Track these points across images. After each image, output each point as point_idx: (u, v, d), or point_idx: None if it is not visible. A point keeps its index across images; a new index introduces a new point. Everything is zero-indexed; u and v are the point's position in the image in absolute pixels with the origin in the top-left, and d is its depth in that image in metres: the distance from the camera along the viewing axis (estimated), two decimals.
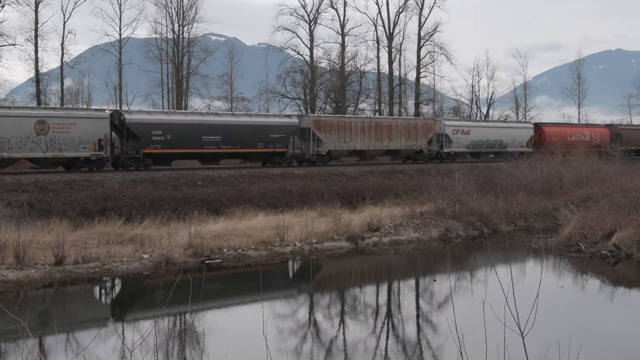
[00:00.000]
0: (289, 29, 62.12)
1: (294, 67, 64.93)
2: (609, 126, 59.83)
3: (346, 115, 45.11)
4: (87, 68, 66.78)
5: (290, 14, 61.91)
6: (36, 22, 51.74)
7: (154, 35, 61.20)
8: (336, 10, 63.06)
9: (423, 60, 65.16)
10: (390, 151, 42.46)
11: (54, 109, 36.87)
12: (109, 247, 19.48)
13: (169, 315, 15.09)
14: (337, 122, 39.64)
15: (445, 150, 44.32)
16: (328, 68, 64.26)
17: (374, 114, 64.81)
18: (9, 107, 34.62)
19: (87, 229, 21.89)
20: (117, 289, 18.06)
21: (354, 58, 64.55)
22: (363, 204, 28.74)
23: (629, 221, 21.88)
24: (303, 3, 63.42)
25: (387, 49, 64.48)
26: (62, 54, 54.73)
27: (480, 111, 74.41)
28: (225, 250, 20.63)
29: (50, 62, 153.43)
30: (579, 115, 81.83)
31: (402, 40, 65.25)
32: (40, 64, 53.16)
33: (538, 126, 52.62)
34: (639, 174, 32.23)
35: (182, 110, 47.15)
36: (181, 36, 59.30)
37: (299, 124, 38.06)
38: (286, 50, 64.28)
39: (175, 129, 32.82)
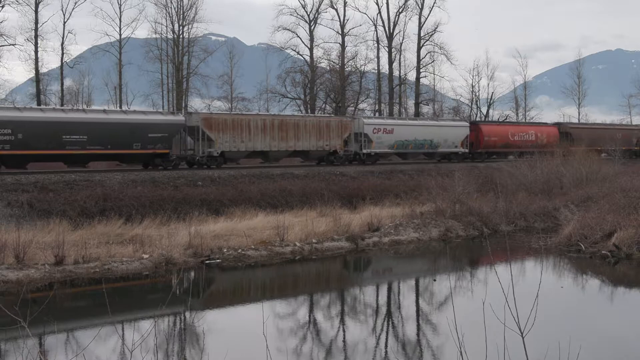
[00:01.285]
0: (289, 29, 62.18)
1: (294, 67, 64.96)
2: (558, 124, 56.61)
3: (244, 113, 41.07)
4: (87, 68, 66.90)
5: (290, 14, 61.99)
6: (36, 22, 51.79)
7: (154, 35, 61.27)
8: (336, 10, 63.14)
9: (423, 60, 65.22)
10: (298, 152, 39.09)
11: None
12: (109, 247, 19.48)
13: (169, 315, 15.10)
14: (232, 120, 36.04)
15: (365, 151, 41.21)
16: (328, 68, 64.29)
17: (374, 114, 64.82)
18: None
19: (87, 229, 21.89)
20: (117, 289, 18.04)
21: (354, 58, 64.63)
22: (363, 204, 28.74)
23: (629, 221, 21.88)
24: (303, 3, 63.37)
25: (387, 49, 64.51)
26: (62, 54, 54.81)
27: (480, 111, 74.45)
28: (225, 250, 20.63)
29: (50, 62, 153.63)
30: (579, 115, 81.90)
31: (402, 40, 65.34)
32: (40, 64, 53.27)
33: (475, 125, 49.25)
34: (639, 174, 32.21)
35: (41, 107, 41.53)
36: (181, 36, 59.31)
37: (185, 122, 34.61)
38: (286, 50, 64.36)
39: (28, 128, 28.88)
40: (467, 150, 46.22)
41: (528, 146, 48.61)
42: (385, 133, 42.16)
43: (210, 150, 34.89)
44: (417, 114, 64.00)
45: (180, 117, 35.29)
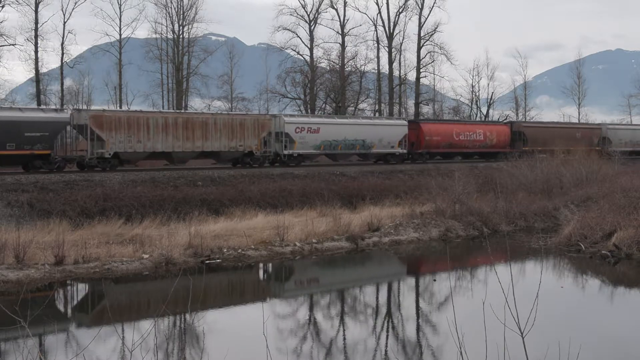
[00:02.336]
0: (289, 29, 62.24)
1: (294, 67, 65.01)
2: (510, 123, 52.86)
3: (142, 110, 38.00)
4: (87, 68, 66.94)
5: (290, 14, 62.04)
6: (36, 22, 51.83)
7: (154, 35, 61.36)
8: (336, 10, 63.19)
9: (423, 60, 65.25)
10: (208, 153, 35.79)
11: None
12: (109, 247, 19.48)
13: (169, 315, 15.08)
14: (127, 118, 32.57)
15: (286, 152, 37.94)
16: (328, 68, 64.35)
17: (374, 114, 64.82)
18: None
19: (87, 229, 21.89)
20: (117, 289, 18.04)
21: (354, 58, 64.69)
22: (363, 204, 28.74)
23: (629, 221, 21.88)
24: (303, 3, 63.51)
25: (387, 49, 64.54)
26: (62, 54, 54.87)
27: (480, 111, 74.48)
28: (225, 250, 20.63)
29: (50, 62, 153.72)
30: (579, 115, 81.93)
31: (402, 40, 65.41)
32: (40, 64, 53.34)
33: (415, 123, 45.73)
34: (639, 174, 32.21)
35: None
36: (181, 36, 59.38)
37: (70, 120, 31.50)
38: (286, 50, 64.43)
39: None
40: (405, 151, 43.04)
41: (475, 146, 46.67)
42: (310, 132, 38.87)
43: (102, 151, 31.79)
44: (417, 114, 64.02)
45: (64, 115, 32.14)
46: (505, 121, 56.61)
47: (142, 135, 32.64)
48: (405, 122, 44.61)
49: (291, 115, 42.83)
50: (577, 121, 75.57)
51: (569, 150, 50.41)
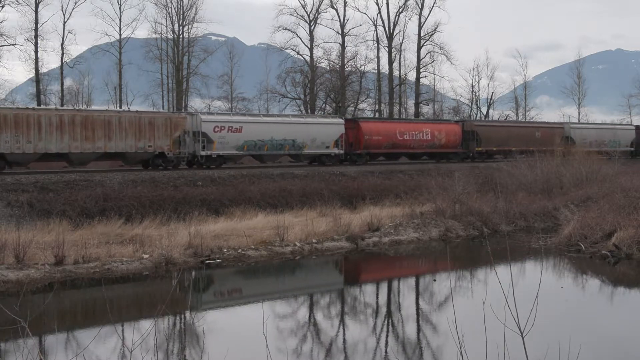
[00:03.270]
0: (289, 29, 62.24)
1: (294, 67, 65.02)
2: (462, 122, 49.57)
3: (34, 107, 34.62)
4: (87, 68, 66.95)
5: (290, 14, 62.04)
6: (36, 22, 51.85)
7: (154, 35, 61.38)
8: (336, 10, 63.19)
9: (423, 60, 65.26)
10: (112, 154, 32.66)
11: None
12: (109, 247, 19.48)
13: (169, 315, 15.09)
14: (14, 116, 29.34)
15: (204, 152, 34.90)
16: (328, 68, 64.34)
17: (374, 114, 64.82)
18: None
19: (87, 229, 21.90)
20: (117, 289, 18.04)
21: (354, 58, 64.68)
22: (363, 204, 28.74)
23: (629, 221, 21.88)
24: (303, 3, 63.50)
25: (387, 49, 64.54)
26: (62, 54, 54.89)
27: (480, 111, 74.47)
28: (225, 250, 20.63)
29: (50, 62, 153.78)
30: (579, 115, 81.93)
31: (402, 40, 65.42)
32: (40, 64, 53.37)
33: (354, 122, 42.68)
34: (639, 174, 32.21)
35: None
36: (181, 36, 59.39)
37: None
38: (286, 50, 64.43)
39: None
40: (342, 152, 40.21)
41: (422, 146, 44.14)
42: (231, 132, 35.94)
43: None
44: (417, 114, 64.03)
45: None
46: (456, 120, 53.80)
47: (33, 134, 29.64)
48: (342, 121, 41.71)
49: (209, 114, 39.50)
50: (577, 121, 75.51)
51: (528, 150, 48.31)
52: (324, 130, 39.83)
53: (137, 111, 35.39)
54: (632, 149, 56.35)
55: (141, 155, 33.18)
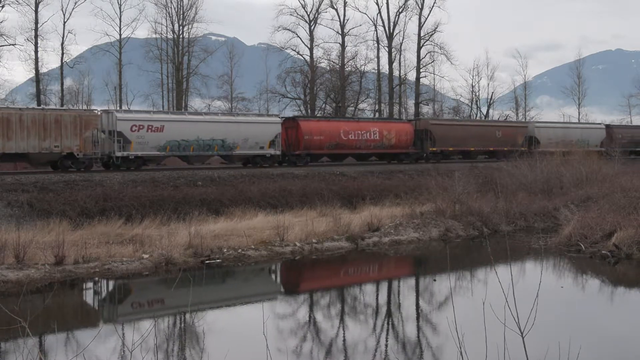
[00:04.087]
0: (289, 29, 62.28)
1: (294, 67, 65.04)
2: (416, 120, 47.39)
3: None
4: (87, 68, 67.00)
5: (290, 14, 62.07)
6: (36, 22, 51.86)
7: (154, 35, 61.41)
8: (336, 10, 63.22)
9: (423, 60, 65.26)
10: (12, 155, 30.01)
11: None
12: (109, 247, 19.48)
13: (169, 315, 15.09)
14: None
15: (119, 153, 32.43)
16: (328, 68, 64.36)
17: (374, 114, 64.82)
18: None
19: (87, 229, 21.90)
20: (117, 289, 18.05)
21: (354, 58, 64.71)
22: (363, 204, 28.74)
23: (629, 221, 21.88)
24: (303, 3, 63.54)
25: (387, 49, 64.55)
26: (62, 54, 54.90)
27: (480, 111, 74.48)
28: (225, 250, 20.63)
29: (50, 62, 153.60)
30: (579, 115, 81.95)
31: (402, 40, 65.43)
32: (40, 64, 53.39)
33: (294, 121, 40.06)
34: (639, 174, 32.22)
35: None
36: (181, 36, 59.41)
37: None
38: (286, 50, 64.48)
39: None
40: (278, 153, 37.66)
41: (369, 147, 41.55)
42: (152, 131, 33.25)
43: None
44: (417, 114, 63.99)
45: None
46: (408, 119, 51.52)
47: None
48: (278, 120, 39.06)
49: (126, 111, 37.14)
50: (578, 121, 75.51)
51: (488, 151, 47.52)
52: (257, 130, 37.08)
53: (42, 108, 33.47)
54: (602, 149, 52.33)
55: (47, 156, 30.88)
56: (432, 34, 65.16)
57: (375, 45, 65.32)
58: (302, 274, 21.42)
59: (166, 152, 34.31)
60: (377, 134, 41.78)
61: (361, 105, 66.98)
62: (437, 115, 66.74)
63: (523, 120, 65.76)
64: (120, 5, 58.46)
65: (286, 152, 38.61)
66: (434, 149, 44.06)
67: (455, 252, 24.39)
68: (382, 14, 64.57)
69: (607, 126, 58.09)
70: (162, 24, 59.83)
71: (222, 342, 13.06)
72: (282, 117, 40.96)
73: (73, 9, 55.80)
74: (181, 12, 59.16)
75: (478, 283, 19.35)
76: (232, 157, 37.03)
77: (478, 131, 47.86)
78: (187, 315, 15.14)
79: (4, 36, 50.17)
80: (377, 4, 64.78)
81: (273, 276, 21.16)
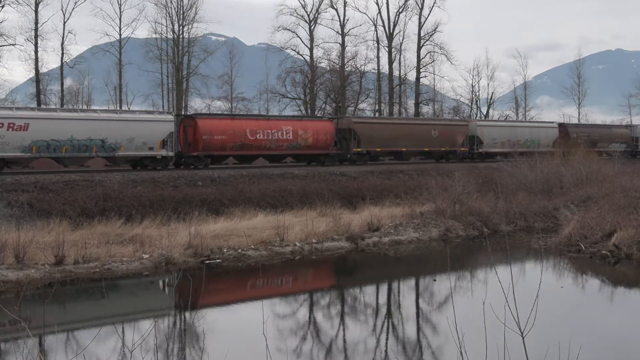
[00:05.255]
0: (289, 29, 62.21)
1: (294, 67, 64.98)
2: (336, 119, 42.78)
3: None
4: (87, 68, 66.95)
5: (290, 14, 62.01)
6: (36, 22, 51.80)
7: (154, 35, 61.35)
8: (336, 10, 63.17)
9: (423, 60, 65.21)
10: None
11: None
12: (109, 247, 19.48)
13: (169, 315, 15.10)
14: None
15: None
16: (328, 68, 64.31)
17: (374, 114, 64.81)
18: None
19: (87, 229, 21.89)
20: (117, 289, 18.05)
21: (354, 58, 64.64)
22: (363, 204, 28.74)
23: (629, 221, 21.89)
24: (303, 3, 63.37)
25: (387, 49, 64.52)
26: (62, 54, 54.81)
27: (480, 111, 74.46)
28: (225, 250, 20.63)
29: (50, 62, 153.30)
30: (579, 115, 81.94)
31: (402, 40, 65.35)
32: (40, 64, 53.29)
33: (192, 119, 36.14)
34: (639, 174, 32.22)
35: None
36: (181, 36, 59.37)
37: None
38: (286, 50, 64.41)
39: None
40: (171, 154, 34.02)
41: (282, 147, 37.80)
42: (13, 130, 29.39)
43: None
44: (417, 114, 63.99)
45: None
46: (329, 117, 47.07)
47: None
48: (171, 117, 35.43)
49: None
50: (578, 121, 75.48)
51: (423, 152, 44.07)
52: (145, 128, 33.07)
53: None
54: (555, 149, 48.17)
55: None
56: (432, 34, 65.15)
57: (375, 45, 65.34)
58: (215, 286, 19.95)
59: (32, 153, 30.23)
60: (291, 134, 37.99)
61: (361, 105, 67.03)
62: (437, 115, 66.75)
63: (467, 118, 60.48)
64: (120, 5, 58.43)
65: (184, 153, 35.01)
66: (359, 149, 40.73)
67: (455, 252, 24.39)
68: (382, 14, 64.59)
69: (561, 125, 55.00)
70: (162, 24, 59.82)
71: (222, 342, 13.06)
72: (179, 115, 37.81)
73: (73, 9, 55.75)
74: (181, 12, 59.14)
75: (478, 283, 19.35)
76: (115, 159, 33.20)
77: (410, 130, 44.16)
78: (187, 315, 15.15)
79: (4, 36, 50.15)
80: (377, 4, 64.78)
81: (166, 291, 19.12)
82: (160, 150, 33.57)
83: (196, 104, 65.78)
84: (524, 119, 71.14)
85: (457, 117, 65.08)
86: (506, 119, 70.84)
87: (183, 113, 43.22)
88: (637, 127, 60.08)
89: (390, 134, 42.32)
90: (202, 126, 34.99)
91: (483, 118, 67.92)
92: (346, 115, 48.26)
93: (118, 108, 59.10)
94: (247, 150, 36.92)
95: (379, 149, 42.06)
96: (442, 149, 44.37)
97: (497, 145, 47.43)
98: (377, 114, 64.56)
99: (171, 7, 59.17)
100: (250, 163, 38.42)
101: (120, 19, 58.62)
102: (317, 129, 39.36)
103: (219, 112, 59.28)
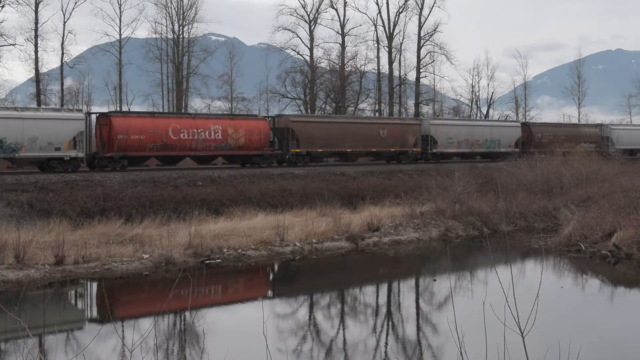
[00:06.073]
0: (289, 29, 62.19)
1: (294, 67, 64.98)
2: (274, 118, 39.50)
3: None
4: (87, 68, 66.88)
5: (290, 14, 61.98)
6: (36, 22, 51.78)
7: (154, 35, 61.35)
8: (336, 10, 63.15)
9: (423, 60, 65.19)
10: None
11: None
12: (109, 247, 19.49)
13: (169, 315, 15.09)
14: None
15: None
16: (328, 68, 64.31)
17: (374, 114, 64.80)
18: None
19: (87, 229, 21.90)
20: (117, 289, 18.06)
21: (354, 58, 64.63)
22: (363, 204, 28.73)
23: (629, 221, 21.89)
24: (303, 3, 63.36)
25: (387, 49, 64.51)
26: (62, 54, 54.79)
27: (480, 111, 74.47)
28: (225, 250, 20.64)
29: (50, 62, 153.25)
30: (579, 115, 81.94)
31: (402, 40, 65.31)
32: (40, 64, 53.25)
33: (107, 117, 32.83)
34: (639, 174, 32.22)
35: None
36: (181, 36, 59.38)
37: None
38: (286, 51, 64.39)
39: None
40: (81, 155, 31.30)
41: (210, 148, 34.77)
42: None
43: None
44: (417, 114, 63.95)
45: None
46: (264, 116, 44.52)
47: None
48: (81, 116, 32.41)
49: None
50: (578, 121, 75.43)
51: (371, 152, 41.41)
52: (50, 127, 30.32)
53: None
54: (517, 149, 47.40)
55: None
56: (432, 34, 65.11)
57: (375, 45, 65.30)
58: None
59: None
60: (220, 133, 35.07)
61: (361, 105, 67.02)
62: (437, 115, 66.68)
63: (419, 116, 57.32)
64: (120, 5, 58.42)
65: (98, 154, 32.33)
66: (298, 150, 37.88)
67: (455, 252, 24.39)
68: (382, 14, 64.55)
69: (524, 124, 52.76)
70: (162, 24, 59.82)
71: (222, 342, 13.06)
72: (93, 113, 34.91)
73: (73, 9, 55.68)
74: (181, 12, 59.16)
75: (478, 283, 19.36)
76: (16, 160, 30.48)
77: (356, 130, 41.08)
78: (187, 315, 15.15)
79: (4, 36, 50.11)
80: (377, 4, 64.73)
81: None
82: (68, 151, 30.72)
83: (196, 104, 65.86)
84: (572, 120, 69.57)
85: (410, 116, 60.41)
86: (500, 118, 70.80)
87: (110, 111, 39.68)
88: (608, 126, 57.95)
89: (334, 134, 39.55)
90: (116, 125, 32.08)
91: (437, 116, 64.76)
92: (284, 114, 44.74)
93: (118, 108, 59.13)
94: (170, 151, 34.11)
95: (320, 150, 39.06)
96: (392, 150, 41.79)
97: (454, 145, 45.20)
98: (376, 114, 64.53)
99: (171, 7, 59.25)
100: (175, 165, 35.69)
101: (120, 19, 58.65)
102: (250, 128, 36.42)
103: (141, 110, 54.78)
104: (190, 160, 36.54)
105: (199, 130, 34.37)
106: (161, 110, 58.28)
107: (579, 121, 75.71)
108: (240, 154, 36.27)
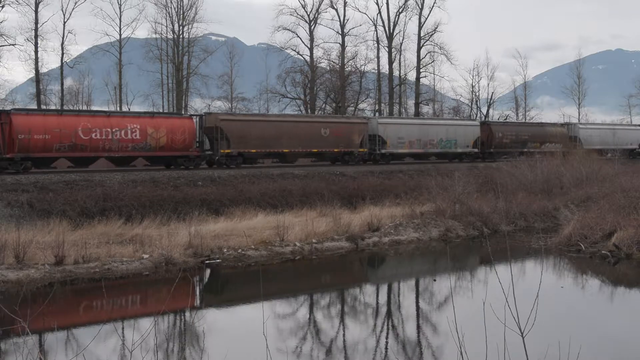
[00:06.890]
0: (289, 29, 62.23)
1: (294, 67, 65.00)
2: (201, 116, 36.43)
3: None
4: (87, 68, 66.98)
5: (290, 14, 62.02)
6: (36, 22, 51.82)
7: (154, 35, 61.41)
8: (336, 10, 63.19)
9: (423, 60, 65.23)
10: None
11: None
12: (109, 247, 19.48)
13: (169, 315, 15.08)
14: None
15: None
16: (328, 68, 64.33)
17: (374, 114, 64.81)
18: None
19: (87, 229, 21.89)
20: (117, 289, 18.05)
21: (354, 58, 64.65)
22: (363, 204, 28.73)
23: (629, 221, 21.89)
24: (303, 3, 63.49)
25: (387, 49, 64.53)
26: (62, 54, 54.82)
27: (480, 111, 74.47)
28: (225, 250, 20.63)
29: (50, 62, 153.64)
30: (579, 115, 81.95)
31: (402, 40, 65.39)
32: (40, 64, 53.30)
33: (7, 115, 29.73)
34: (639, 174, 32.22)
35: None
36: (181, 36, 59.42)
37: None
38: (286, 51, 64.43)
39: None
40: None
41: (127, 149, 32.00)
42: None
43: None
44: (417, 114, 63.96)
45: None
46: (191, 114, 41.35)
47: None
48: None
49: None
50: (578, 121, 75.39)
51: (312, 152, 38.96)
52: None
53: None
54: (476, 149, 46.06)
55: None
56: (432, 34, 65.16)
57: (375, 45, 65.35)
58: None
59: None
60: (138, 133, 32.20)
61: (361, 105, 67.05)
62: (437, 115, 66.69)
63: (367, 115, 55.79)
64: (120, 5, 58.47)
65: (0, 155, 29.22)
66: (228, 150, 35.29)
67: (455, 252, 24.39)
68: (382, 14, 64.61)
69: (483, 123, 50.12)
70: (162, 24, 59.89)
71: (222, 342, 13.06)
72: None
73: (73, 9, 55.77)
74: (181, 12, 59.21)
75: (478, 283, 19.36)
76: None
77: (294, 129, 38.19)
78: (187, 315, 15.14)
79: (4, 36, 50.15)
80: (377, 4, 64.80)
81: None
82: None
83: (196, 104, 65.89)
84: (572, 120, 67.44)
85: (356, 115, 58.26)
86: (504, 118, 70.78)
87: (13, 108, 36.59)
88: (576, 125, 55.89)
89: (269, 133, 36.89)
90: (17, 124, 29.08)
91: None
92: (213, 112, 40.70)
93: (118, 108, 59.16)
94: (81, 152, 31.11)
95: (254, 151, 36.40)
96: (336, 150, 39.45)
97: (405, 145, 42.94)
98: (376, 114, 64.52)
99: (171, 7, 59.30)
100: (88, 166, 32.53)
101: (120, 19, 58.72)
102: (173, 127, 33.51)
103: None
104: (106, 161, 33.67)
105: (114, 130, 31.54)
106: (159, 110, 58.27)
107: (579, 121, 75.69)
108: (162, 155, 33.63)
